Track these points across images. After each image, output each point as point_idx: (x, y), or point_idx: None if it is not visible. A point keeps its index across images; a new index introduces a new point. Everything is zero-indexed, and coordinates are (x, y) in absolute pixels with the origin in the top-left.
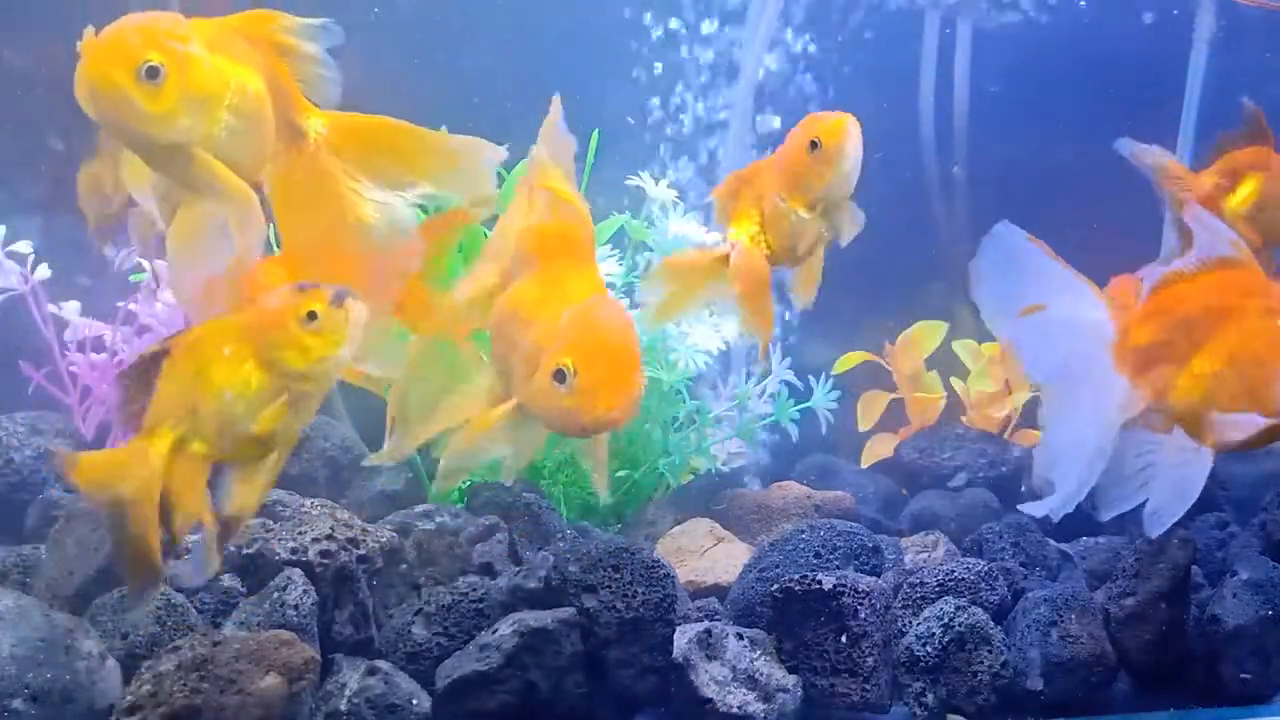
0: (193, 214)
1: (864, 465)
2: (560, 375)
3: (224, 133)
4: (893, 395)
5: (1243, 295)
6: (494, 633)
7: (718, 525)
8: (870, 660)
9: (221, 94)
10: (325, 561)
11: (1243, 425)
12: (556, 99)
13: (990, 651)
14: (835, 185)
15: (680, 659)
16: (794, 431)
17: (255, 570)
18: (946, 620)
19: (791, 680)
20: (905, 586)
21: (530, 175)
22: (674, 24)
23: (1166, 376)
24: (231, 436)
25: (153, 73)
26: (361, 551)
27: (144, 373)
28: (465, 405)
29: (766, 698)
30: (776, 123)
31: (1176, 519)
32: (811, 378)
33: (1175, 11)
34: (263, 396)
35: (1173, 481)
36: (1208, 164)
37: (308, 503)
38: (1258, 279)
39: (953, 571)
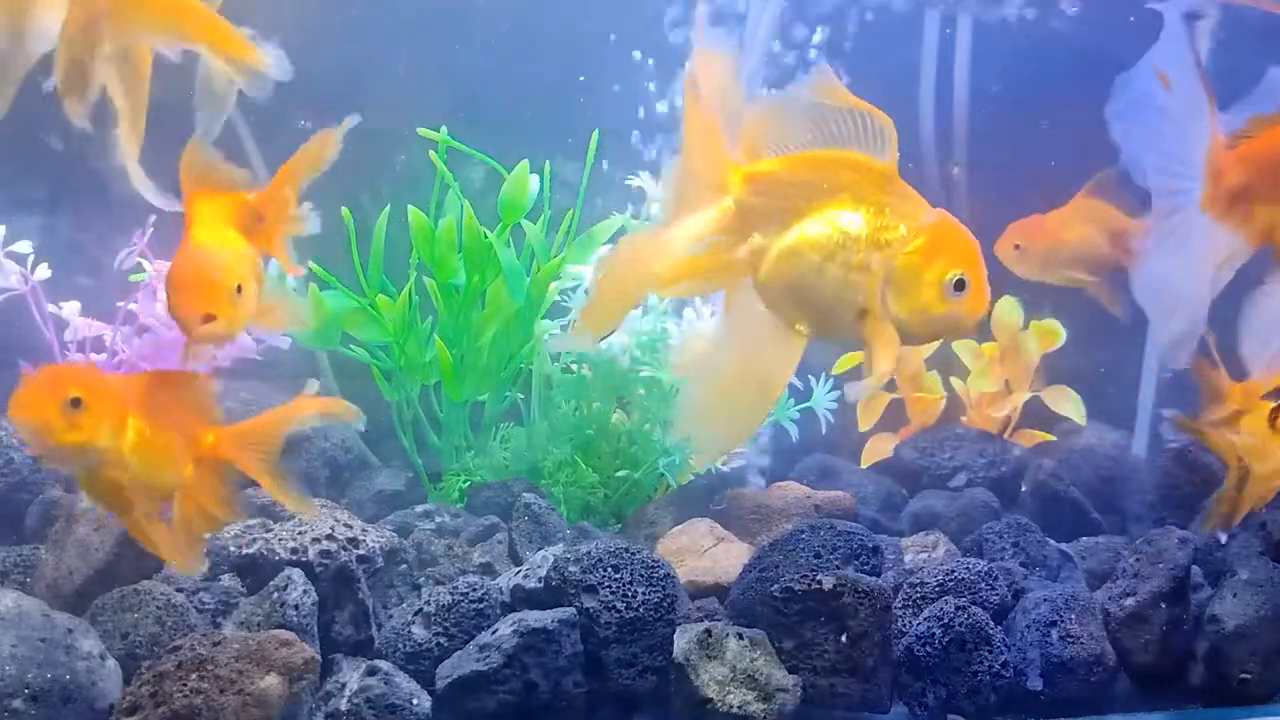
0: None
1: (864, 465)
2: (960, 284)
3: None
4: (893, 395)
5: None
6: (494, 633)
7: (718, 525)
8: (870, 660)
9: None
10: (325, 561)
11: None
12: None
13: (990, 651)
14: None
15: (680, 659)
16: (794, 431)
17: (255, 570)
18: (946, 620)
19: (791, 680)
20: (905, 586)
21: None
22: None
23: (1266, 217)
24: None
25: None
26: (361, 551)
27: None
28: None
29: (766, 698)
30: None
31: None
32: (811, 378)
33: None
34: None
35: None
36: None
37: None
38: None
39: (953, 571)
